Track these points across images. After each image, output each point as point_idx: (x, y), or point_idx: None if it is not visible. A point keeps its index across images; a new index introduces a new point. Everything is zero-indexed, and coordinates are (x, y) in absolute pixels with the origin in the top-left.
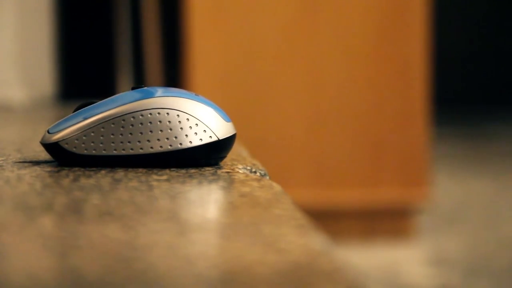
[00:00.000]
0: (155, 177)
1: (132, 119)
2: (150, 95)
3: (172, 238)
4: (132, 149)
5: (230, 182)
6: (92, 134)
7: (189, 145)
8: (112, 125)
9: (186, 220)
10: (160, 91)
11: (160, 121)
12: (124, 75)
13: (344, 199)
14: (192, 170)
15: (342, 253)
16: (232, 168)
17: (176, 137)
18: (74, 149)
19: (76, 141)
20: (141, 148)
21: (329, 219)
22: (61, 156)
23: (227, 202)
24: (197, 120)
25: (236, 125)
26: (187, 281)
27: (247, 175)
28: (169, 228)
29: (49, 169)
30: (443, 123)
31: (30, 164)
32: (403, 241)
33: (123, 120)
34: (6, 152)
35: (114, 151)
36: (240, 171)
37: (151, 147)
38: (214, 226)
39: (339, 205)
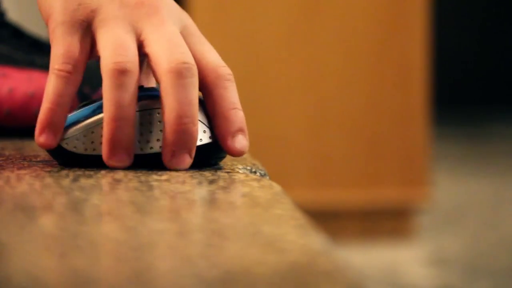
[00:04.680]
0: (155, 177)
1: None
2: (150, 95)
3: (172, 238)
4: None
5: (230, 182)
6: (92, 134)
7: None
8: None
9: (186, 220)
10: None
11: (160, 121)
12: None
13: (344, 199)
14: (192, 170)
15: (342, 253)
16: (232, 168)
17: None
18: (74, 149)
19: (76, 141)
20: (141, 148)
21: (329, 219)
22: (61, 156)
23: (227, 202)
24: None
25: None
26: (187, 281)
27: (247, 175)
28: (169, 228)
29: (49, 169)
30: (443, 123)
31: (30, 164)
32: (403, 241)
33: None
34: (6, 152)
35: None
36: (240, 171)
37: (151, 147)
38: (214, 226)
39: (339, 205)
